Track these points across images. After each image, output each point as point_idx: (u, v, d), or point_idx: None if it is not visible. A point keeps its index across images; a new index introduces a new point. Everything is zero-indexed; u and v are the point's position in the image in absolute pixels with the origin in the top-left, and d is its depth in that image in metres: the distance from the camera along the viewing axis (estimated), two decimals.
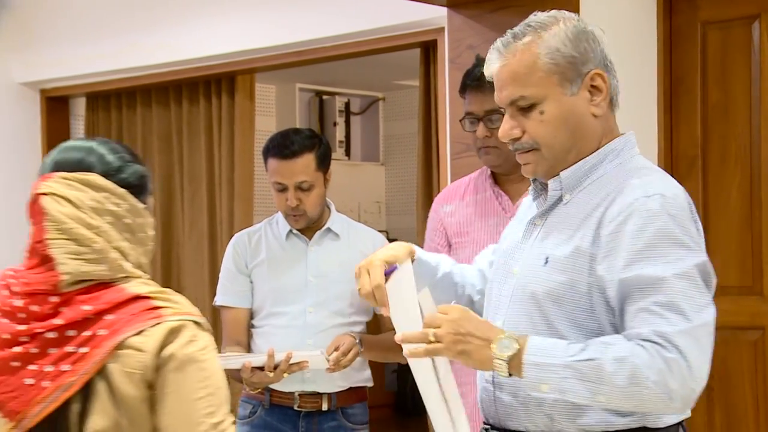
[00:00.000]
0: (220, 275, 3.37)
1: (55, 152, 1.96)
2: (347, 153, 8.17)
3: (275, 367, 3.00)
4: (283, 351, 3.03)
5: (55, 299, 1.88)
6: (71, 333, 1.86)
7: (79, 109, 6.32)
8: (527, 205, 2.26)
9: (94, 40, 5.70)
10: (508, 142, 2.10)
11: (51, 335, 1.86)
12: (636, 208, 1.98)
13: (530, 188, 2.22)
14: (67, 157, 1.95)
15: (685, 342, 1.91)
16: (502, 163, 2.90)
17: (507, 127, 2.09)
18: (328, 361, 3.04)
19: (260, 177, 7.14)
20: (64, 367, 1.85)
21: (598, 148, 2.12)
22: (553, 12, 2.14)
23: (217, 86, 5.71)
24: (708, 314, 1.96)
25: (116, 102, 6.14)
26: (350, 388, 3.24)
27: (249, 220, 5.67)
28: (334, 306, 3.22)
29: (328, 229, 3.30)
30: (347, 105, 8.17)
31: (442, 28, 4.32)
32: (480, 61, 2.93)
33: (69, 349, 1.85)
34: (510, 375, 1.96)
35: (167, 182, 5.94)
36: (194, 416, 1.83)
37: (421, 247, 2.93)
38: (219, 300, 3.35)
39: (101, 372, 1.83)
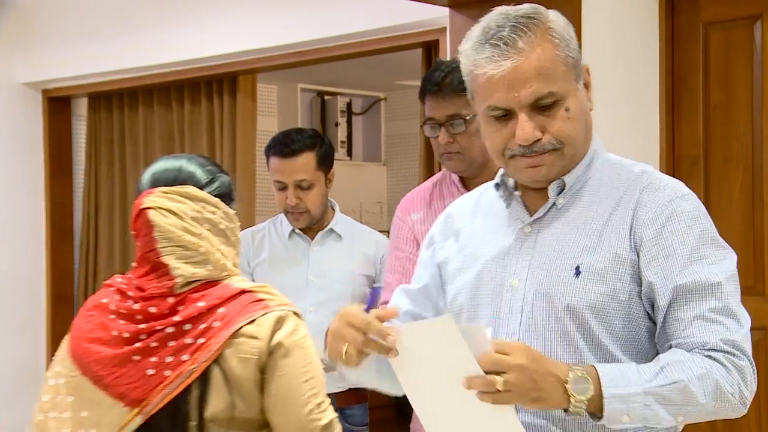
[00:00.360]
0: None
1: (151, 170, 2.26)
2: (349, 153, 8.17)
3: None
4: None
5: (171, 300, 2.09)
6: (187, 327, 2.06)
7: (81, 109, 6.32)
8: (472, 212, 2.11)
9: (96, 40, 5.70)
10: (525, 145, 1.92)
11: (169, 330, 2.07)
12: (674, 209, 1.92)
13: (497, 194, 2.07)
14: (164, 174, 2.23)
15: (748, 346, 1.92)
16: (466, 168, 2.84)
17: (529, 129, 1.91)
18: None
19: (262, 177, 7.13)
20: (184, 357, 2.04)
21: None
22: (525, 5, 2.00)
23: (218, 86, 5.71)
24: (748, 315, 2.00)
25: (118, 102, 6.14)
26: (350, 389, 3.24)
27: (251, 220, 5.67)
28: (334, 306, 3.21)
29: (331, 230, 3.30)
30: (349, 105, 8.17)
31: (444, 28, 4.32)
32: (439, 66, 2.89)
33: (187, 340, 2.05)
34: (588, 413, 1.78)
35: None
36: (301, 398, 2.05)
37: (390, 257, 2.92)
38: None
39: (218, 359, 2.03)
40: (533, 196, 2.01)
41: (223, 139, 5.71)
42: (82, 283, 6.25)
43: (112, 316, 2.13)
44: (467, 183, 2.89)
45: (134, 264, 2.16)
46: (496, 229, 2.04)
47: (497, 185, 2.06)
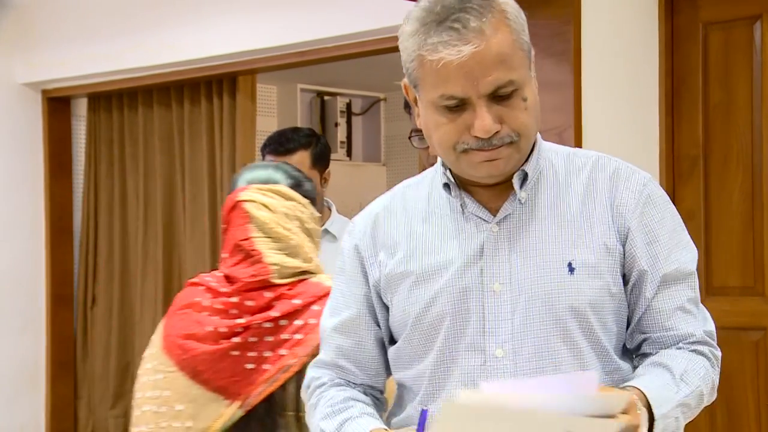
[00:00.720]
0: None
1: (244, 171, 2.33)
2: (348, 153, 8.17)
3: None
4: None
5: (269, 294, 2.18)
6: (283, 322, 2.15)
7: (80, 109, 6.32)
8: (420, 216, 1.91)
9: (96, 40, 5.70)
10: (484, 137, 1.75)
11: (267, 325, 2.15)
12: (648, 194, 1.87)
13: (446, 195, 1.89)
14: (257, 174, 2.32)
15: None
16: None
17: (489, 121, 1.73)
18: None
19: None
20: (282, 351, 2.13)
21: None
22: None
23: (218, 87, 5.71)
24: None
25: (118, 102, 6.14)
26: None
27: None
28: None
29: (326, 231, 3.29)
30: (348, 105, 8.16)
31: None
32: None
33: (284, 336, 2.13)
34: None
35: (168, 183, 5.94)
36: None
37: None
38: None
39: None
40: (487, 194, 1.85)
41: (223, 139, 5.70)
42: (82, 283, 6.25)
43: (206, 313, 2.19)
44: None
45: (225, 255, 2.23)
46: (455, 233, 1.85)
47: (446, 185, 1.88)
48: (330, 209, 3.33)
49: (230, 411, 2.12)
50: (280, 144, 3.24)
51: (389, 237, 1.91)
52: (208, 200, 5.75)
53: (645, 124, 4.04)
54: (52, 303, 6.16)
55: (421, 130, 2.81)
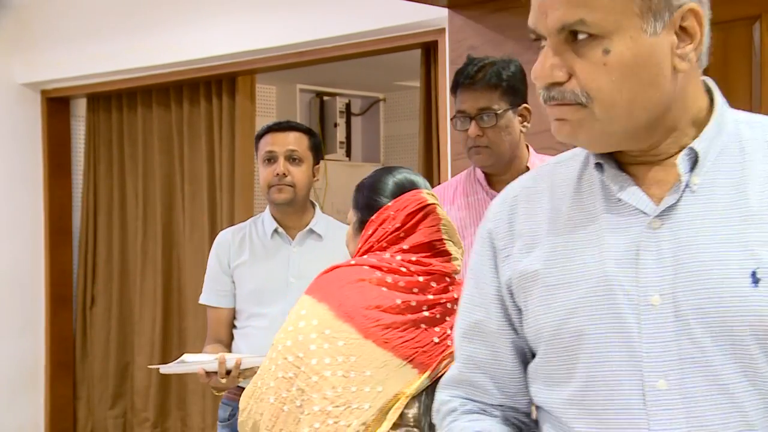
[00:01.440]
0: (206, 272, 3.38)
1: (392, 179, 2.46)
2: (348, 154, 8.17)
3: (228, 373, 3.00)
4: (256, 354, 3.04)
5: (448, 280, 2.34)
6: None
7: (79, 109, 6.32)
8: (570, 200, 1.53)
9: (95, 40, 5.70)
10: (542, 86, 1.43)
11: (449, 305, 2.30)
12: None
13: (599, 176, 1.49)
14: (417, 178, 2.48)
15: None
16: (493, 163, 2.87)
17: (548, 65, 1.40)
18: None
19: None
20: None
21: (681, 117, 1.46)
22: None
23: (217, 87, 5.71)
24: None
25: (117, 103, 6.14)
26: None
27: None
28: None
29: (311, 230, 3.30)
30: (348, 106, 8.17)
31: (443, 29, 4.32)
32: (472, 60, 2.92)
33: None
34: None
35: (168, 183, 5.94)
36: None
37: None
38: (203, 299, 3.37)
39: None
40: (653, 176, 1.46)
41: (222, 139, 5.71)
42: (81, 284, 6.25)
43: (384, 288, 2.29)
44: (492, 180, 2.92)
45: (406, 246, 2.34)
46: (606, 227, 1.46)
47: (598, 164, 1.48)
48: (314, 209, 3.33)
49: (420, 379, 2.23)
50: (279, 124, 3.29)
51: (527, 226, 1.53)
52: (207, 200, 5.75)
53: None
54: (51, 303, 6.16)
55: (463, 112, 2.87)
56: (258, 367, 3.06)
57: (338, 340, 2.24)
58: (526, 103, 2.88)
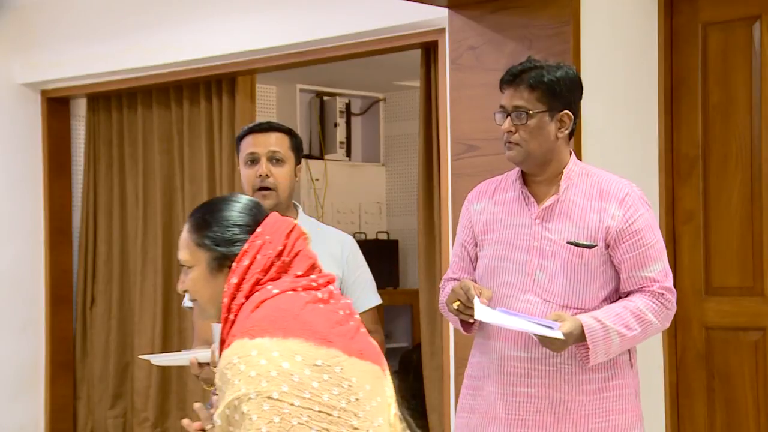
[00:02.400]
0: None
1: (239, 199, 2.36)
2: (348, 154, 8.16)
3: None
4: None
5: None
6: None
7: (79, 109, 6.32)
8: None
9: (95, 41, 5.70)
10: None
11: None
12: None
13: None
14: (250, 197, 2.38)
15: None
16: (523, 160, 2.94)
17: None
18: None
19: None
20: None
21: None
22: None
23: (217, 87, 5.71)
24: None
25: (117, 103, 6.14)
26: None
27: None
28: None
29: None
30: (348, 106, 8.16)
31: (443, 29, 4.32)
32: (526, 60, 2.97)
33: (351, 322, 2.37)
34: None
35: (168, 183, 5.94)
36: None
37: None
38: (186, 303, 3.36)
39: None
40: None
41: (222, 139, 5.71)
42: (81, 284, 6.25)
43: (322, 305, 2.24)
44: (528, 181, 3.00)
45: (300, 272, 2.29)
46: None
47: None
48: (297, 210, 3.33)
49: (389, 379, 2.26)
50: (259, 124, 3.27)
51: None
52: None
53: (644, 125, 4.04)
54: (51, 303, 6.16)
55: (503, 107, 2.99)
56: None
57: (334, 366, 2.16)
58: (571, 110, 2.91)
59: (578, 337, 2.78)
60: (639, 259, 2.86)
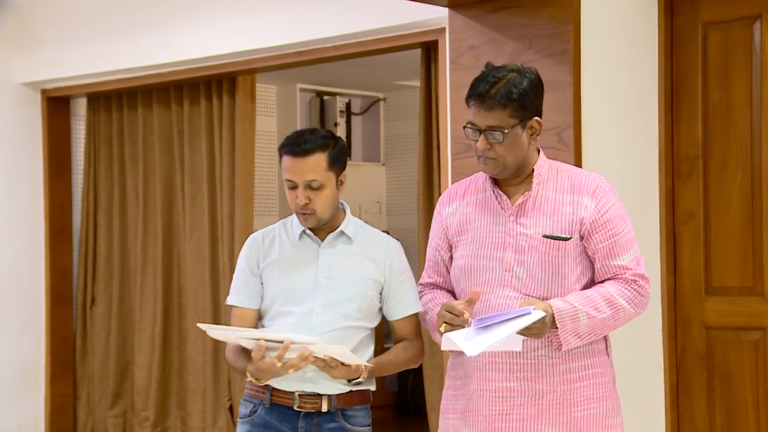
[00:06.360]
0: (234, 274, 3.37)
1: None
2: (348, 153, 8.18)
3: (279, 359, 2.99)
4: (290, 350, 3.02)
5: None
6: None
7: (80, 109, 6.32)
8: None
9: (96, 40, 5.70)
10: None
11: None
12: None
13: None
14: None
15: None
16: (500, 172, 2.98)
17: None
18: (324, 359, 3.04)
19: (261, 177, 7.11)
20: None
21: None
22: None
23: (218, 86, 5.71)
24: None
25: (117, 102, 6.14)
26: (351, 391, 3.24)
27: (249, 220, 5.67)
28: (342, 308, 3.21)
29: (342, 232, 3.29)
30: (348, 105, 8.17)
31: (443, 29, 4.32)
32: (488, 73, 2.94)
33: None
34: None
35: (168, 182, 5.95)
36: None
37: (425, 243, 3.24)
38: (230, 300, 3.35)
39: None
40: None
41: (222, 139, 5.71)
42: (81, 283, 6.25)
43: None
44: (500, 182, 3.04)
45: None
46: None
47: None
48: (344, 211, 3.32)
49: None
50: (297, 145, 3.22)
51: None
52: (208, 200, 5.76)
53: (644, 124, 4.04)
54: (51, 303, 6.16)
55: (474, 125, 3.11)
56: (308, 347, 3.05)
57: None
58: (539, 114, 2.92)
59: (552, 320, 2.82)
60: (611, 249, 2.90)
